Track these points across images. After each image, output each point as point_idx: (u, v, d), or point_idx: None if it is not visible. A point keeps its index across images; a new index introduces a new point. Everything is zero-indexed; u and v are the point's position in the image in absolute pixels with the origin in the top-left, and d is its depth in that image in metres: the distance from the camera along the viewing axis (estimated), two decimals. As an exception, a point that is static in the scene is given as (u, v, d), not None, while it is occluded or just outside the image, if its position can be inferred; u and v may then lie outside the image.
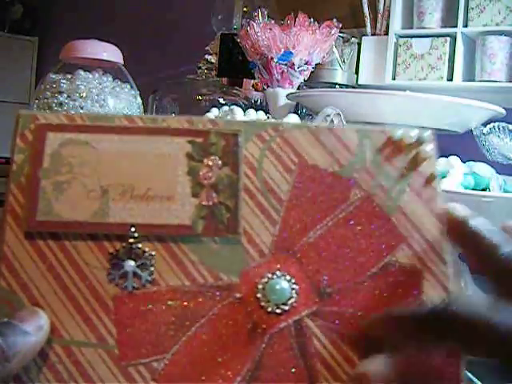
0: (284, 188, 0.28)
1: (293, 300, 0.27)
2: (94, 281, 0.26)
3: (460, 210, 0.28)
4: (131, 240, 0.26)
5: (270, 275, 0.27)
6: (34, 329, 0.25)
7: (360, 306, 0.27)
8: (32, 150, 0.27)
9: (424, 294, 0.27)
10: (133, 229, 0.26)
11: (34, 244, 0.26)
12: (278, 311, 0.26)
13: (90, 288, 0.26)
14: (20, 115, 0.28)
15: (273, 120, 0.30)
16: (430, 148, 0.30)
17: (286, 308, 0.26)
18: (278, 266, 0.27)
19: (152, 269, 0.26)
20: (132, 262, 0.26)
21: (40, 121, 0.28)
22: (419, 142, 0.30)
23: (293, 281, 0.27)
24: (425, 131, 0.30)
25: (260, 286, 0.27)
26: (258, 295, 0.26)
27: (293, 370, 0.26)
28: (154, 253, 0.27)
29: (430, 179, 0.29)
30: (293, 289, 0.27)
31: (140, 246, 0.26)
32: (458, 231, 0.28)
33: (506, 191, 0.66)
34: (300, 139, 0.29)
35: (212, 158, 0.27)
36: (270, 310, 0.26)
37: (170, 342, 0.26)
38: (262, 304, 0.26)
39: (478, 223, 0.28)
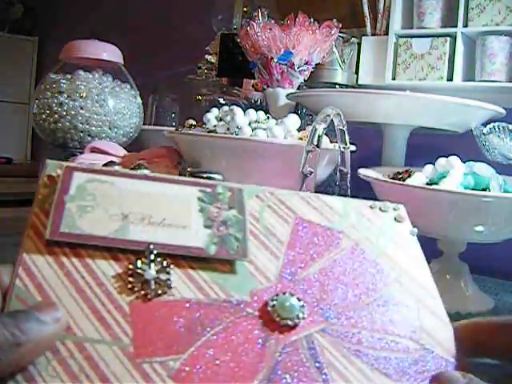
0: (284, 233, 0.32)
1: (302, 316, 0.28)
2: (110, 288, 0.27)
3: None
4: (150, 255, 0.28)
5: (279, 294, 0.29)
6: (50, 320, 0.24)
7: (364, 328, 0.29)
8: (59, 184, 0.30)
9: (421, 321, 0.30)
10: (151, 246, 0.28)
11: (53, 253, 0.28)
12: (290, 323, 0.28)
13: (105, 293, 0.27)
14: (48, 163, 0.31)
15: (267, 187, 0.35)
16: (403, 215, 0.36)
17: (297, 321, 0.28)
18: (285, 290, 0.29)
19: (172, 278, 0.28)
20: (153, 271, 0.28)
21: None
22: (395, 209, 0.36)
23: (301, 300, 0.29)
24: (399, 205, 0.36)
25: (270, 303, 0.28)
26: (270, 310, 0.28)
27: (307, 380, 0.26)
28: (172, 266, 0.28)
29: (410, 237, 0.35)
30: (301, 306, 0.28)
31: (159, 258, 0.28)
32: None
33: (506, 191, 0.66)
34: (293, 201, 0.34)
35: (220, 203, 0.31)
36: (282, 323, 0.28)
37: (185, 345, 0.26)
38: (275, 318, 0.28)
39: None
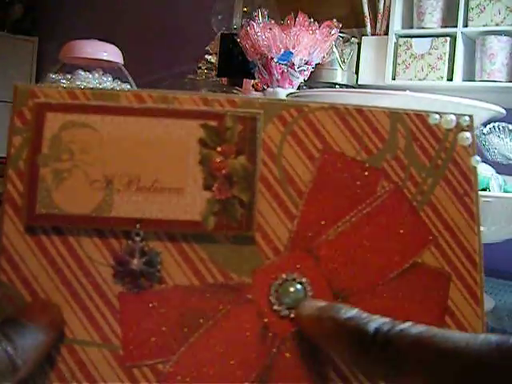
0: (305, 178, 0.26)
1: None
2: (98, 277, 0.25)
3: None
4: (137, 238, 0.25)
5: (284, 276, 0.25)
6: (45, 326, 0.23)
7: (377, 311, 0.24)
8: (30, 133, 0.25)
9: (450, 299, 0.26)
10: (138, 225, 0.25)
11: (35, 237, 0.25)
12: (291, 315, 0.25)
13: (93, 285, 0.25)
14: (17, 89, 0.25)
15: (297, 100, 0.28)
16: (469, 135, 0.27)
17: None
18: (293, 266, 0.25)
19: (159, 267, 0.25)
20: (138, 261, 0.25)
21: (39, 98, 0.25)
22: (458, 128, 0.27)
23: (308, 282, 0.25)
24: (465, 116, 0.27)
25: (273, 289, 0.25)
26: (271, 298, 0.25)
27: (304, 377, 0.25)
28: (160, 250, 0.25)
29: (467, 171, 0.27)
30: (307, 292, 0.25)
31: (146, 243, 0.25)
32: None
33: (505, 191, 0.66)
34: (325, 122, 0.27)
35: (227, 145, 0.25)
36: (282, 314, 0.25)
37: (176, 344, 0.25)
38: (275, 307, 0.25)
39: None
